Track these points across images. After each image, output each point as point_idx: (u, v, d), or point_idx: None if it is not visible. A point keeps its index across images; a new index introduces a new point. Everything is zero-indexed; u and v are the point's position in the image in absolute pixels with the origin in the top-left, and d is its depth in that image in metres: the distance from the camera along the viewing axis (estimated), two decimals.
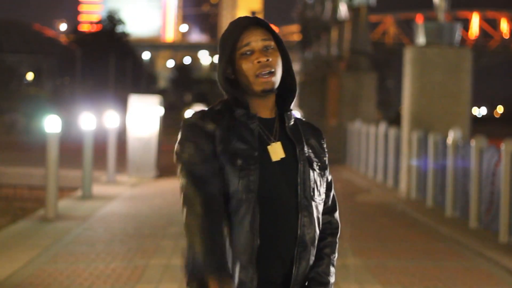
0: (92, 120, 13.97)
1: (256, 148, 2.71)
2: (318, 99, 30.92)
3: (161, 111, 18.35)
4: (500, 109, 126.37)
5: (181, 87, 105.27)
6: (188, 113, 34.00)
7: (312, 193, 2.76)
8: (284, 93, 2.82)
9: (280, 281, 2.72)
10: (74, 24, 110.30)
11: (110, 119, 16.78)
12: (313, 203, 2.76)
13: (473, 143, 11.54)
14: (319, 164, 2.82)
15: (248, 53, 2.74)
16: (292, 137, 2.78)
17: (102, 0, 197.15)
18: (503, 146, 10.23)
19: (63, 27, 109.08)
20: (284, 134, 2.79)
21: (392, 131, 17.16)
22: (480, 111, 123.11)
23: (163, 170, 18.51)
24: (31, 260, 8.27)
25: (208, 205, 2.58)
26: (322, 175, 2.82)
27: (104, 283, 7.39)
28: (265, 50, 2.74)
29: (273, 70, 2.73)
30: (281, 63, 2.78)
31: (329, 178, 2.90)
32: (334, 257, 2.87)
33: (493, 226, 10.67)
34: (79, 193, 14.24)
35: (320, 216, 2.80)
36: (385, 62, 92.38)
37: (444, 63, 15.64)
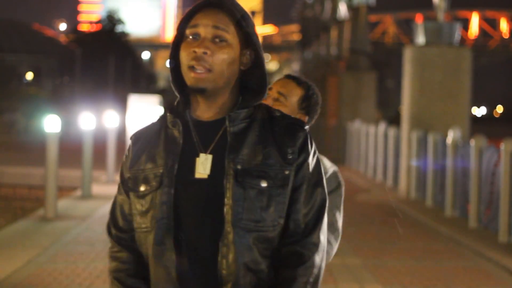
0: (92, 120, 13.96)
1: (163, 163, 2.21)
2: None
3: (160, 110, 18.35)
4: (499, 109, 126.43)
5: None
6: None
7: (240, 217, 2.16)
8: (248, 95, 2.28)
9: None
10: (73, 24, 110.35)
11: (110, 119, 16.78)
12: (239, 230, 2.15)
13: (472, 143, 11.53)
14: (263, 180, 2.18)
15: (191, 37, 2.22)
16: (228, 146, 2.20)
17: (101, 0, 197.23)
18: (502, 146, 10.23)
19: (62, 27, 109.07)
20: (225, 141, 2.22)
21: (392, 131, 17.15)
22: (479, 111, 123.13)
23: None
24: (31, 260, 8.26)
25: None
26: (271, 195, 2.17)
27: (103, 282, 7.38)
28: (211, 41, 2.20)
29: (209, 67, 2.19)
30: (243, 64, 2.25)
31: (303, 195, 2.22)
32: None
33: (493, 226, 10.67)
34: (78, 192, 14.24)
35: (259, 245, 2.18)
36: (385, 62, 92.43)
37: (443, 63, 15.64)
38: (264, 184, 2.18)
